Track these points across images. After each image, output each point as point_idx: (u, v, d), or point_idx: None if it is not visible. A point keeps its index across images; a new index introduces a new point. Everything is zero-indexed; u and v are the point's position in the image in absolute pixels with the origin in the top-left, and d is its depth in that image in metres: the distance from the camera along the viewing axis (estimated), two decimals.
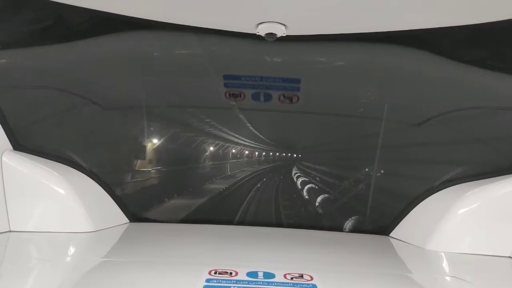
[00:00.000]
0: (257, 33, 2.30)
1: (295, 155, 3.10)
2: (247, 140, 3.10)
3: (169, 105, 2.99)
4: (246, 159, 3.17)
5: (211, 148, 3.09)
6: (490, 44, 2.47)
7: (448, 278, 2.07)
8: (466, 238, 2.36)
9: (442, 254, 2.30)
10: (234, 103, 2.82)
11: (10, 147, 2.49)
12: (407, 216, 2.67)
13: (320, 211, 2.98)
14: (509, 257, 2.28)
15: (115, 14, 2.31)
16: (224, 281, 1.64)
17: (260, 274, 1.73)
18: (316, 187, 3.01)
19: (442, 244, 2.34)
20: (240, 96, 2.78)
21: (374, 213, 2.85)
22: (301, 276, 1.73)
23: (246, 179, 3.15)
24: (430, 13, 2.16)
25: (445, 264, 2.25)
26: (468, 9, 2.08)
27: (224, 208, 3.04)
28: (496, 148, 2.63)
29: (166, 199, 3.00)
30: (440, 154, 2.76)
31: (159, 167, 3.04)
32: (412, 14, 2.18)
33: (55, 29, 2.54)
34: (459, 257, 2.27)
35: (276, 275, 1.72)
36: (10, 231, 2.31)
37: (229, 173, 3.16)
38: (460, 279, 1.98)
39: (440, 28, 2.27)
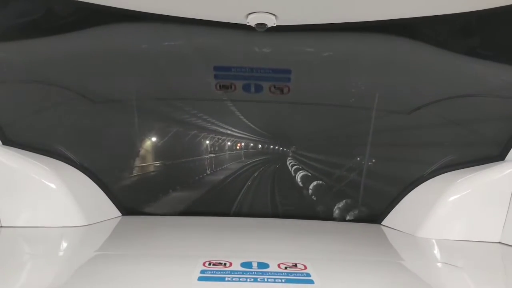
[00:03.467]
0: (247, 24, 2.29)
1: (288, 146, 3.10)
2: (240, 132, 3.09)
3: (160, 98, 2.96)
4: (240, 150, 3.16)
5: (204, 141, 3.08)
6: (479, 33, 2.48)
7: (439, 265, 2.10)
8: (457, 225, 2.39)
9: (433, 241, 2.34)
10: (225, 94, 2.81)
11: None
12: (398, 204, 2.70)
13: (313, 200, 3.00)
14: (499, 242, 2.31)
15: (102, 6, 2.28)
16: (219, 272, 1.65)
17: (254, 264, 1.74)
18: (310, 177, 3.02)
19: (433, 231, 2.37)
20: (231, 87, 2.76)
21: (366, 202, 2.88)
22: (295, 265, 1.75)
23: (240, 171, 3.14)
24: (420, 2, 2.17)
25: (436, 251, 2.29)
26: None
27: (219, 200, 3.03)
28: (485, 136, 2.65)
29: (159, 193, 2.99)
30: (431, 143, 2.78)
31: (151, 161, 3.02)
32: (402, 3, 2.18)
33: (42, 23, 2.51)
34: (450, 244, 2.30)
35: (270, 265, 1.73)
36: (1, 226, 2.29)
37: (223, 165, 3.15)
38: (451, 265, 2.00)
39: (429, 17, 2.28)
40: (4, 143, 2.47)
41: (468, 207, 2.38)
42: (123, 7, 2.32)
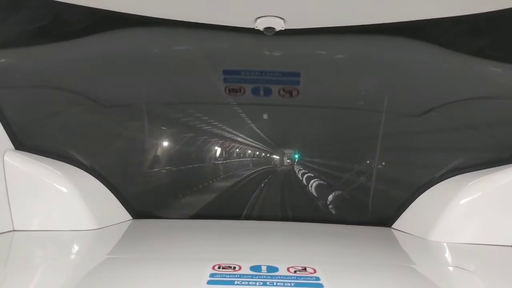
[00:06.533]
0: (256, 28, 2.30)
1: (296, 149, 3.10)
2: (249, 137, 3.10)
3: (170, 103, 2.98)
4: (250, 155, 3.16)
5: (214, 146, 3.08)
6: (489, 34, 2.46)
7: (451, 268, 2.08)
8: (469, 228, 2.36)
9: (445, 244, 2.31)
10: (234, 98, 2.82)
11: (12, 146, 2.49)
12: (409, 208, 2.67)
13: (323, 204, 2.99)
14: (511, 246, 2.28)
15: (111, 11, 2.31)
16: (228, 276, 1.65)
17: (264, 268, 1.73)
18: (319, 181, 3.01)
19: (444, 234, 2.34)
20: (240, 91, 2.77)
21: (376, 205, 2.86)
22: (304, 269, 1.74)
23: (251, 176, 3.14)
24: (429, 4, 2.16)
25: (447, 255, 2.26)
26: None
27: (229, 206, 3.03)
28: (497, 138, 2.63)
29: (170, 197, 3.00)
30: (441, 145, 2.76)
31: (161, 165, 3.04)
32: (412, 5, 2.17)
33: (53, 28, 2.55)
34: (461, 247, 2.27)
35: (279, 269, 1.73)
36: (14, 230, 2.32)
37: (233, 171, 3.15)
38: (463, 269, 1.98)
39: (439, 18, 2.27)
40: (16, 148, 2.50)
41: (480, 210, 2.35)
42: (133, 12, 2.35)
